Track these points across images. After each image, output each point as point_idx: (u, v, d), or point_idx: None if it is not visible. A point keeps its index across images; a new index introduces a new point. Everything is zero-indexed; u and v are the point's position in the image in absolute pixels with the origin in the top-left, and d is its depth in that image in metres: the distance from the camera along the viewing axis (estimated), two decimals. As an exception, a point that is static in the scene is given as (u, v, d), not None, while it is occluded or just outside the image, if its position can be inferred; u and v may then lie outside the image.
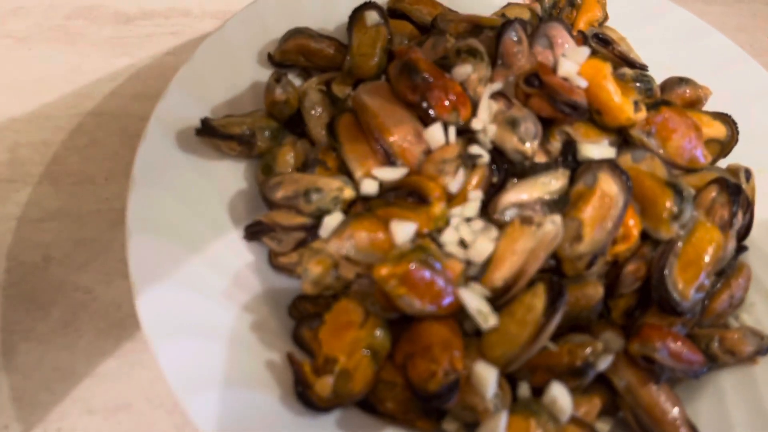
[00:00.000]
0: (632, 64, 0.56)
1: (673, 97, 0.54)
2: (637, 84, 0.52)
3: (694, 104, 0.55)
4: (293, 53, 0.56)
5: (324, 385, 0.40)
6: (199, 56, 0.54)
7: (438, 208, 0.43)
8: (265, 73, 0.55)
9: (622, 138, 0.49)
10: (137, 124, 0.60)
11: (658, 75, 0.56)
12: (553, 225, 0.42)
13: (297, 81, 0.57)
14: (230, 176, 0.51)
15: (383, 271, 0.40)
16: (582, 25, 0.60)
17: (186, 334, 0.41)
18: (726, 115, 0.53)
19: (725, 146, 0.52)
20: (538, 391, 0.42)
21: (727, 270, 0.46)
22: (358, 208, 0.47)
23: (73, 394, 0.47)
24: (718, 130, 0.52)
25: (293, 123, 0.53)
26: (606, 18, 0.62)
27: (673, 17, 0.63)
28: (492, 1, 0.63)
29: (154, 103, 0.51)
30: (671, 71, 0.57)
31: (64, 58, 0.65)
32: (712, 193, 0.46)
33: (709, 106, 0.56)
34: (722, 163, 0.53)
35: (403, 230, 0.42)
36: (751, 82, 0.59)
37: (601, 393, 0.43)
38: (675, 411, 0.41)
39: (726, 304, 0.46)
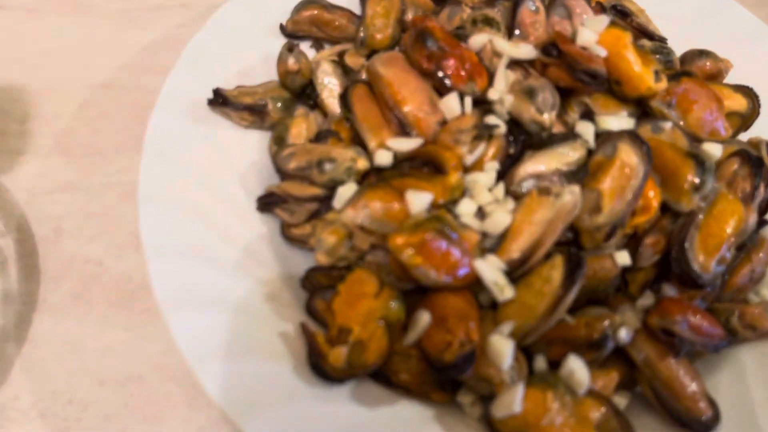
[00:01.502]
0: (651, 35, 0.55)
1: (693, 70, 0.53)
2: (657, 56, 0.51)
3: (715, 77, 0.54)
4: (306, 24, 0.55)
5: (338, 356, 0.39)
6: (209, 28, 0.53)
7: (454, 177, 0.42)
8: (276, 45, 0.54)
9: (641, 110, 0.48)
10: (147, 96, 0.59)
11: (678, 48, 0.55)
12: (571, 195, 0.41)
13: (309, 52, 0.56)
14: (242, 148, 0.50)
15: (399, 240, 0.39)
16: (600, -4, 0.59)
17: (199, 304, 0.41)
18: (747, 87, 0.51)
19: (746, 119, 0.51)
20: (555, 365, 0.41)
21: (748, 244, 0.45)
22: (371, 179, 0.46)
23: (84, 365, 0.46)
24: (739, 103, 0.51)
25: (305, 94, 0.52)
26: (625, -10, 0.61)
27: (692, -10, 0.62)
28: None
29: (165, 75, 0.51)
30: (691, 45, 0.56)
31: (75, 31, 0.64)
32: (734, 165, 0.45)
33: (729, 79, 0.54)
34: (743, 137, 0.52)
35: (419, 200, 0.41)
36: (773, 55, 0.58)
37: (618, 367, 0.42)
38: (694, 385, 0.41)
39: (746, 278, 0.45)
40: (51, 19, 0.65)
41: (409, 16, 0.55)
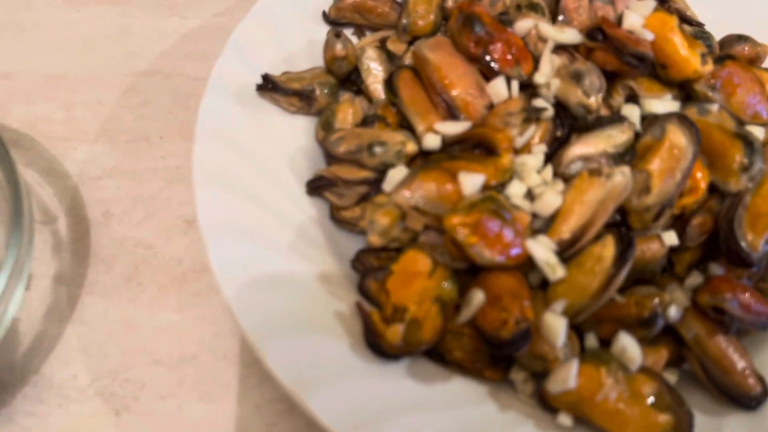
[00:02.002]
0: (690, 21, 0.56)
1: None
2: (697, 41, 0.51)
3: (753, 62, 0.54)
4: (348, 11, 0.55)
5: (395, 333, 0.40)
6: (252, 16, 0.54)
7: (507, 159, 0.43)
8: (319, 32, 0.55)
9: (685, 93, 0.48)
10: (189, 83, 0.60)
11: (715, 33, 0.55)
12: (622, 176, 0.42)
13: (352, 39, 0.57)
14: (289, 132, 0.51)
15: (455, 219, 0.40)
16: (637, -18, 0.59)
17: (257, 284, 0.42)
18: (787, 72, 0.52)
19: (787, 103, 0.52)
20: (605, 344, 0.42)
21: (793, 224, 0.46)
22: (419, 163, 0.47)
23: (139, 345, 0.47)
24: (779, 87, 0.51)
25: (350, 80, 0.53)
26: (661, -24, 0.61)
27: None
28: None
29: (205, 63, 0.52)
30: (728, 29, 0.57)
31: (113, 19, 0.65)
32: (778, 147, 0.46)
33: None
34: (783, 121, 0.52)
35: (473, 181, 0.42)
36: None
37: (667, 344, 0.43)
38: (743, 362, 0.41)
39: (791, 258, 0.45)
40: (90, 8, 0.66)
41: (450, 2, 0.56)
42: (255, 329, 0.40)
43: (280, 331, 0.40)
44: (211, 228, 0.43)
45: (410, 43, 0.54)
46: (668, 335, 0.43)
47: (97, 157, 0.56)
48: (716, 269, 0.44)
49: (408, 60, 0.52)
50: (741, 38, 0.54)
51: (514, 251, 0.41)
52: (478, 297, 0.41)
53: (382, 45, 0.55)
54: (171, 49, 0.63)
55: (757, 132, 0.46)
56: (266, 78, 0.50)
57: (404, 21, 0.54)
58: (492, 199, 0.41)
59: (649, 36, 0.46)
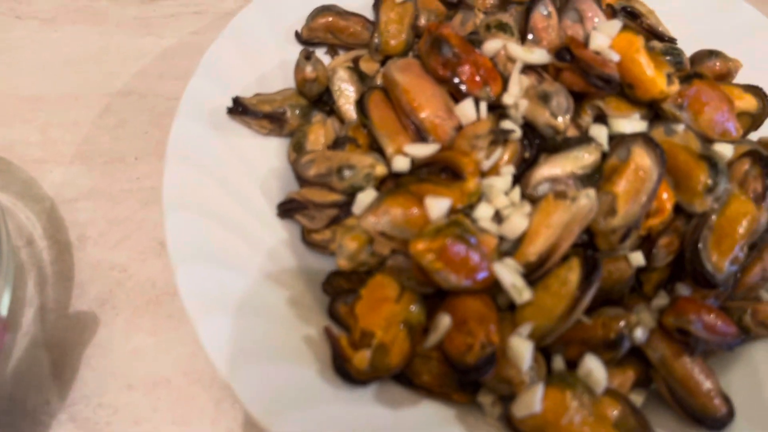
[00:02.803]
0: (661, 37, 0.56)
1: (704, 70, 0.54)
2: (667, 57, 0.52)
3: (725, 77, 0.54)
4: (321, 31, 0.56)
5: (362, 359, 0.41)
6: (225, 36, 0.54)
7: (472, 183, 0.43)
8: (291, 52, 0.55)
9: (654, 112, 0.49)
10: (165, 103, 0.61)
11: (687, 47, 0.56)
12: (587, 199, 0.42)
13: (324, 59, 0.57)
14: (261, 154, 0.51)
15: (420, 245, 0.40)
16: (610, -2, 0.60)
17: (225, 308, 0.42)
18: (757, 87, 0.52)
19: (756, 119, 0.52)
20: (572, 365, 0.42)
21: (760, 243, 0.46)
22: (389, 185, 0.47)
23: (113, 370, 0.48)
24: (749, 103, 0.51)
25: (321, 101, 0.53)
26: (634, -9, 0.61)
27: (701, -11, 0.62)
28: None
29: (181, 82, 0.52)
30: (700, 44, 0.57)
31: (91, 39, 0.65)
32: (745, 165, 0.46)
33: (738, 79, 0.55)
34: (753, 137, 0.52)
35: (438, 206, 0.42)
36: (782, 54, 0.58)
37: (634, 365, 0.43)
38: (709, 383, 0.42)
39: (758, 277, 0.46)
40: (67, 28, 0.66)
41: (423, 21, 0.56)
42: (223, 357, 0.40)
43: (249, 357, 0.41)
44: (180, 254, 0.43)
45: (383, 62, 0.54)
46: (635, 356, 0.43)
47: (73, 179, 0.56)
48: (683, 289, 0.44)
49: (380, 80, 0.52)
50: (712, 53, 0.55)
51: (481, 275, 0.41)
52: (444, 321, 0.41)
53: (354, 64, 0.55)
54: (147, 69, 0.63)
55: (725, 149, 0.46)
56: (236, 101, 0.50)
57: (376, 40, 0.54)
58: (457, 223, 0.41)
59: (615, 57, 0.46)
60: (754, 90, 0.52)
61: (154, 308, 0.50)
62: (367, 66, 0.55)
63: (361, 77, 0.53)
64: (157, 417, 0.46)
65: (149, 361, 0.48)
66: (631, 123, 0.47)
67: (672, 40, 0.56)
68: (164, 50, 0.64)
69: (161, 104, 0.60)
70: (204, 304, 0.42)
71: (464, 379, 0.41)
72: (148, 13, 0.67)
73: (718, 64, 0.54)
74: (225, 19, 0.55)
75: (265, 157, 0.51)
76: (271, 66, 0.55)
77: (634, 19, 0.57)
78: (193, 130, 0.49)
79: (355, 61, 0.55)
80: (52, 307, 0.49)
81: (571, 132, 0.47)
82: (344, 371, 0.41)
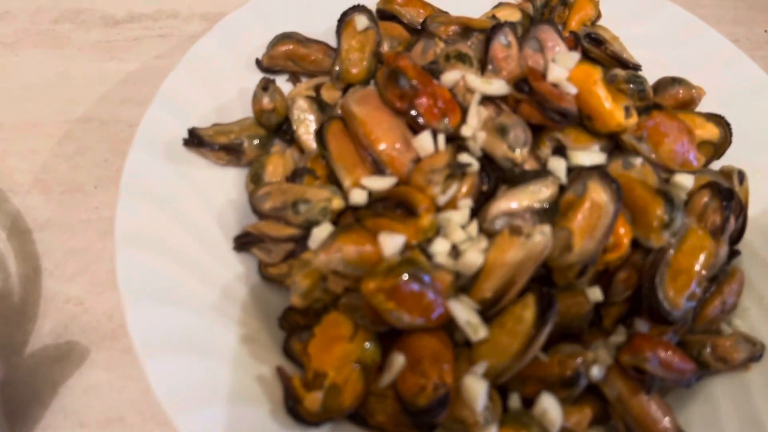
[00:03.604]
0: (625, 64, 0.56)
1: (666, 98, 0.54)
2: (630, 85, 0.52)
3: (688, 105, 0.54)
4: (281, 58, 0.55)
5: (313, 400, 0.40)
6: (184, 64, 0.53)
7: (426, 220, 0.42)
8: (252, 80, 0.54)
9: (614, 143, 0.48)
10: (126, 130, 0.60)
11: (652, 73, 0.56)
12: (542, 236, 0.41)
13: (286, 86, 0.56)
14: (219, 186, 0.50)
15: (371, 285, 0.39)
16: (574, 24, 0.59)
17: (176, 349, 0.41)
18: (719, 116, 0.52)
19: (719, 148, 0.52)
20: (529, 402, 0.41)
21: (720, 275, 0.46)
22: (347, 217, 0.46)
23: (66, 407, 0.47)
24: (711, 132, 0.51)
25: (282, 130, 0.53)
26: (599, 16, 0.61)
27: (666, 14, 0.62)
28: (483, 0, 0.62)
29: (144, 108, 0.51)
30: (665, 69, 0.57)
31: (52, 63, 0.64)
32: (704, 198, 0.46)
33: (703, 104, 0.55)
34: (716, 165, 0.52)
35: (392, 243, 0.41)
36: (747, 79, 0.58)
37: (592, 402, 0.43)
38: (666, 420, 0.41)
39: (718, 310, 0.45)
40: (28, 52, 0.65)
41: (385, 47, 0.55)
42: (172, 400, 0.39)
43: (199, 399, 0.40)
44: (131, 291, 0.42)
45: (345, 89, 0.54)
46: (593, 393, 0.43)
47: (29, 210, 0.55)
48: (641, 325, 0.44)
49: (340, 110, 0.52)
50: (675, 81, 0.54)
51: (436, 313, 0.41)
52: (398, 361, 0.40)
53: (316, 92, 0.54)
54: (109, 94, 0.62)
55: (686, 180, 0.46)
56: (192, 132, 0.49)
57: (337, 68, 0.54)
58: (411, 261, 0.41)
59: (572, 90, 0.46)
60: (716, 119, 0.52)
61: (110, 343, 0.49)
62: (329, 94, 0.54)
63: (321, 106, 0.52)
64: (109, 457, 0.45)
65: (103, 398, 0.47)
66: (590, 155, 0.46)
67: (636, 67, 0.56)
68: (127, 75, 0.64)
69: (123, 131, 0.59)
70: (154, 344, 0.41)
71: (417, 422, 0.40)
72: (112, 37, 0.67)
73: (681, 91, 0.54)
74: (190, 42, 0.55)
75: (222, 188, 0.50)
76: (231, 95, 0.54)
77: (598, 46, 0.56)
78: (148, 161, 0.48)
79: (317, 88, 0.54)
80: (4, 343, 0.48)
81: (531, 164, 0.47)
82: (296, 413, 0.40)
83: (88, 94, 0.62)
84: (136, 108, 0.61)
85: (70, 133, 0.59)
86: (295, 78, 0.57)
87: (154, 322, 0.42)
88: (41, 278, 0.52)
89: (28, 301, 0.51)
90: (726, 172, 0.50)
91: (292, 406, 0.40)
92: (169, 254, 0.45)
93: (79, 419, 0.46)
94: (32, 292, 0.51)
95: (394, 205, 0.44)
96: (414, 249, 0.42)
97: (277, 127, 0.52)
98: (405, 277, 0.40)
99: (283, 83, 0.56)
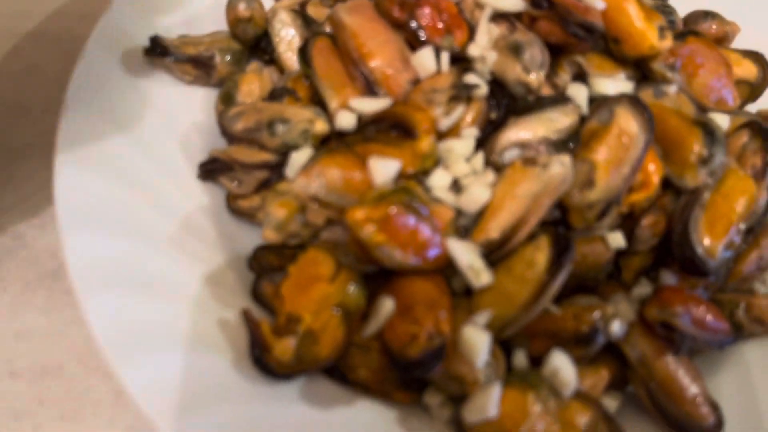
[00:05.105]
0: (652, -8, 0.50)
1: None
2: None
3: (721, 42, 0.48)
4: (263, -34, 0.48)
5: (285, 348, 0.34)
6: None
7: (426, 142, 0.36)
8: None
9: (641, 73, 0.42)
10: (81, 47, 0.53)
11: (679, 9, 0.50)
12: (561, 166, 0.35)
13: (268, 2, 0.49)
14: (184, 105, 0.44)
15: (358, 214, 0.33)
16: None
17: (122, 286, 0.35)
18: (757, 53, 0.46)
19: (755, 89, 0.46)
20: (537, 362, 0.36)
21: (757, 227, 0.40)
22: (332, 144, 0.40)
23: (-6, 353, 0.40)
24: (748, 70, 0.45)
25: (260, 48, 0.46)
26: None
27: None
28: None
29: (102, 23, 0.44)
30: (694, 4, 0.51)
31: (1, -27, 0.57)
32: (743, 138, 0.40)
33: (736, 43, 0.49)
34: (751, 108, 0.47)
35: (384, 168, 0.35)
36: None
37: (608, 364, 0.37)
38: (695, 387, 0.36)
39: (754, 266, 0.40)
40: (-25, -41, 0.57)
41: (381, -38, 0.49)
42: (114, 345, 0.33)
43: (148, 344, 0.34)
44: (70, 218, 0.36)
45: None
46: (611, 354, 0.37)
47: (-34, 131, 0.48)
48: (668, 277, 0.38)
49: (328, 26, 0.45)
50: (708, 15, 0.49)
51: (432, 252, 0.35)
52: (386, 306, 0.35)
53: (302, 8, 0.48)
54: (65, 8, 0.55)
55: (720, 120, 0.40)
56: (155, 40, 0.42)
57: (327, -20, 0.47)
58: (406, 190, 0.35)
59: (600, 5, 0.39)
60: (754, 56, 0.46)
61: (50, 283, 0.43)
62: (316, 11, 0.47)
63: (306, 22, 0.46)
64: (42, 411, 0.39)
65: (38, 345, 0.41)
66: (616, 83, 0.40)
67: (662, -2, 0.50)
68: (88, -12, 0.57)
69: (77, 48, 0.52)
70: (97, 279, 0.35)
71: (406, 376, 0.35)
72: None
73: (714, 26, 0.48)
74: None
75: (188, 108, 0.44)
76: (203, 5, 0.48)
77: (621, -27, 0.50)
78: (102, 73, 0.42)
79: (303, 5, 0.48)
80: (-76, 278, 0.42)
81: (546, 91, 0.41)
82: (263, 363, 0.34)
83: (40, 7, 0.55)
84: (94, 23, 0.53)
85: (18, 49, 0.53)
86: (277, -8, 0.50)
87: (98, 253, 0.36)
88: (-26, 207, 0.45)
89: (-44, 232, 0.44)
90: (764, 115, 0.44)
91: (259, 355, 0.34)
92: (120, 179, 0.39)
93: (9, 368, 0.40)
94: (-37, 222, 0.44)
95: (388, 128, 0.38)
96: (410, 179, 0.36)
97: (254, 43, 0.46)
98: (399, 207, 0.34)
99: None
